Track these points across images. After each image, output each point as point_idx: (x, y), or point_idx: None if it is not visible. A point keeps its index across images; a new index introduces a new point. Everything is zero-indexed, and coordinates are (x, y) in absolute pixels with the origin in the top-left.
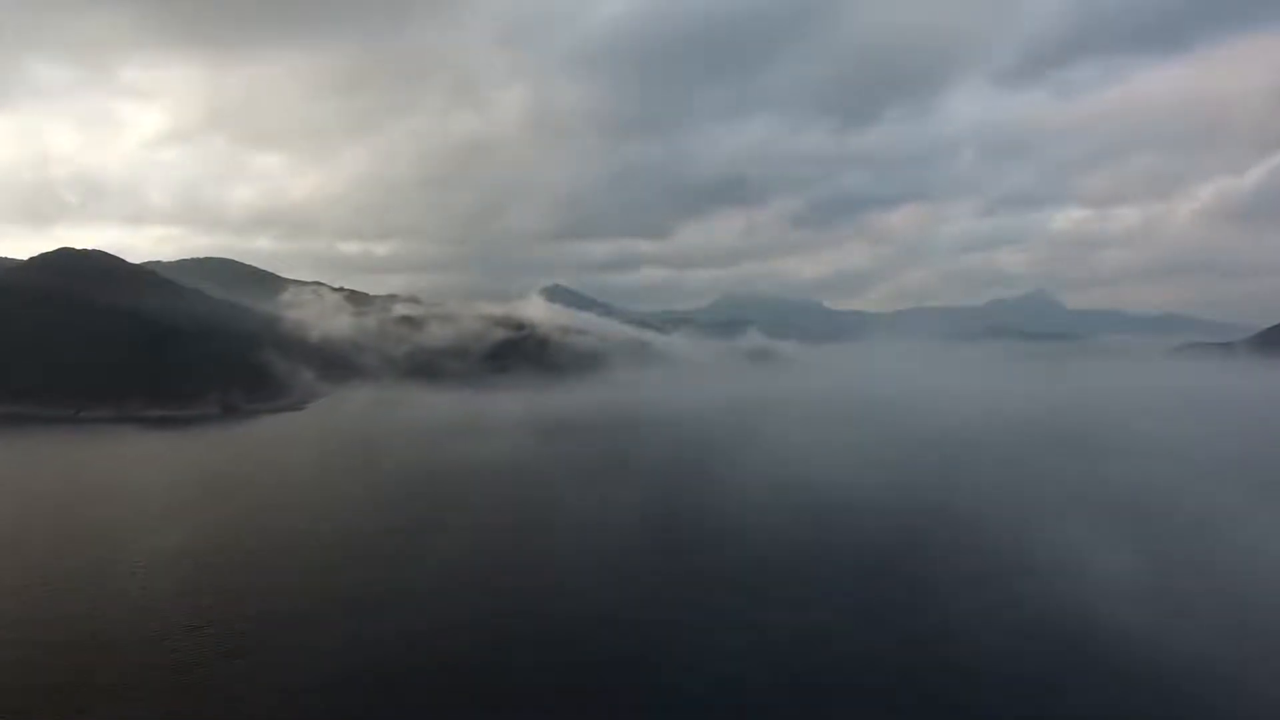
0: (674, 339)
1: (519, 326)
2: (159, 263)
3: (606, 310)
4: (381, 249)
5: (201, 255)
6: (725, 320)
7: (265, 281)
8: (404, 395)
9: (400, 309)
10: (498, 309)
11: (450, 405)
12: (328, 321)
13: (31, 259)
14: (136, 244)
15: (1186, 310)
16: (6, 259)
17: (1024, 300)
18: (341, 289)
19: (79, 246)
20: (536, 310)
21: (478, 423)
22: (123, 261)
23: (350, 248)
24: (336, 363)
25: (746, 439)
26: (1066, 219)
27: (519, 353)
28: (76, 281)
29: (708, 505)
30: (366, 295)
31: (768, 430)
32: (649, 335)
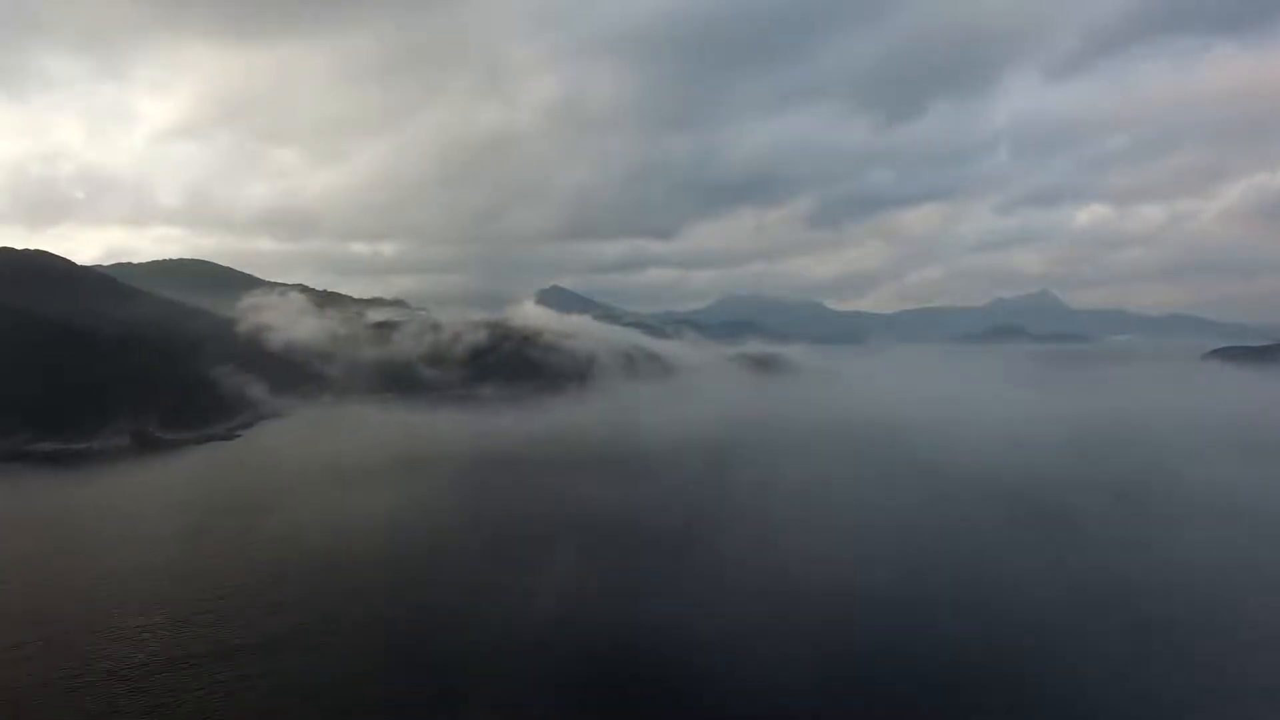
0: (672, 344)
1: (504, 333)
2: (127, 264)
3: (607, 312)
4: (390, 250)
5: (198, 256)
6: (726, 322)
7: (242, 285)
8: (361, 414)
9: (375, 314)
10: (486, 314)
11: (406, 428)
12: (292, 327)
13: None
14: (139, 244)
15: (1195, 311)
16: None
17: (1027, 300)
18: (324, 292)
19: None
20: (527, 315)
21: (420, 454)
22: (68, 263)
23: (359, 249)
24: (296, 374)
25: (738, 486)
26: (1089, 215)
27: (501, 362)
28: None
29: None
30: (349, 298)
31: (768, 473)
32: (646, 340)
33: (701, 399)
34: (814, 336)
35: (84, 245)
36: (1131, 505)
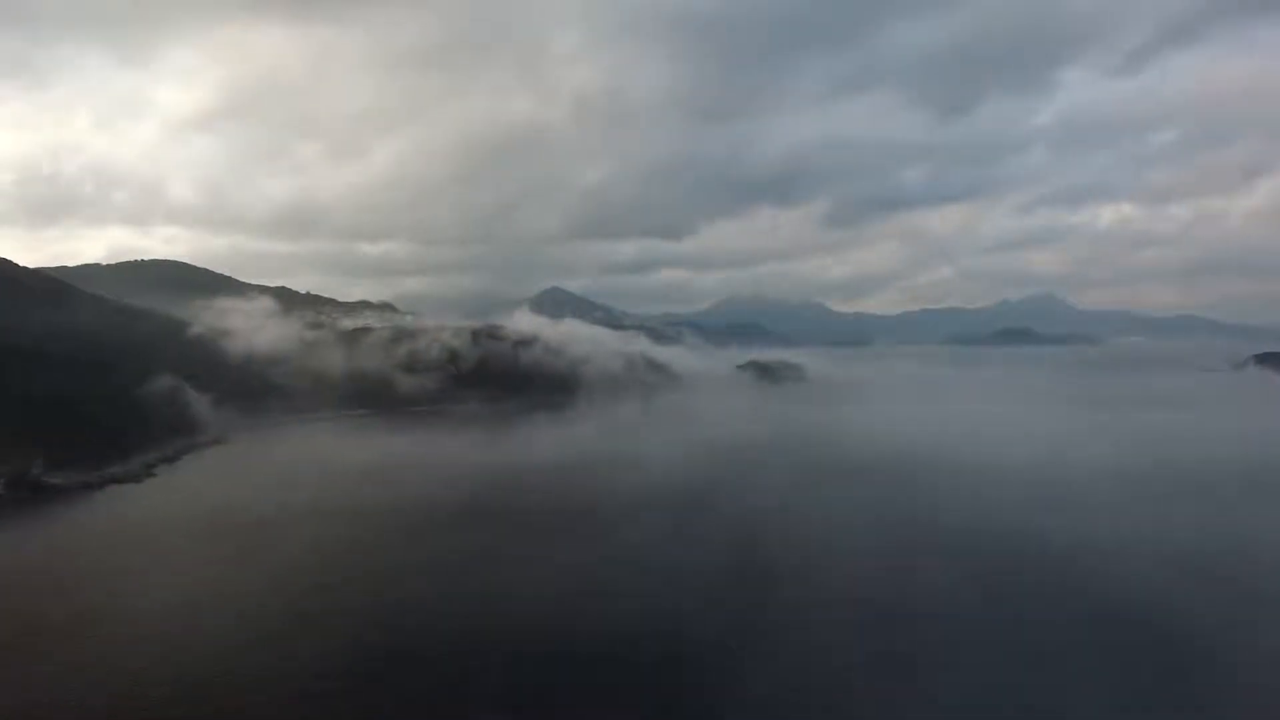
0: (670, 351)
1: (492, 340)
2: (97, 265)
3: (608, 314)
4: (402, 251)
5: (207, 256)
6: (728, 324)
7: (219, 288)
8: (316, 437)
9: (357, 319)
10: (474, 320)
11: (352, 458)
12: (255, 334)
13: None
14: (147, 244)
15: (1203, 312)
16: None
17: (1031, 301)
18: (308, 294)
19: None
20: (518, 321)
21: (348, 497)
22: (9, 264)
23: (368, 249)
24: (252, 388)
25: (707, 564)
26: (1114, 215)
27: (485, 373)
28: None
29: None
30: (334, 301)
31: (752, 544)
32: (644, 345)
33: (693, 420)
34: (817, 339)
35: (91, 245)
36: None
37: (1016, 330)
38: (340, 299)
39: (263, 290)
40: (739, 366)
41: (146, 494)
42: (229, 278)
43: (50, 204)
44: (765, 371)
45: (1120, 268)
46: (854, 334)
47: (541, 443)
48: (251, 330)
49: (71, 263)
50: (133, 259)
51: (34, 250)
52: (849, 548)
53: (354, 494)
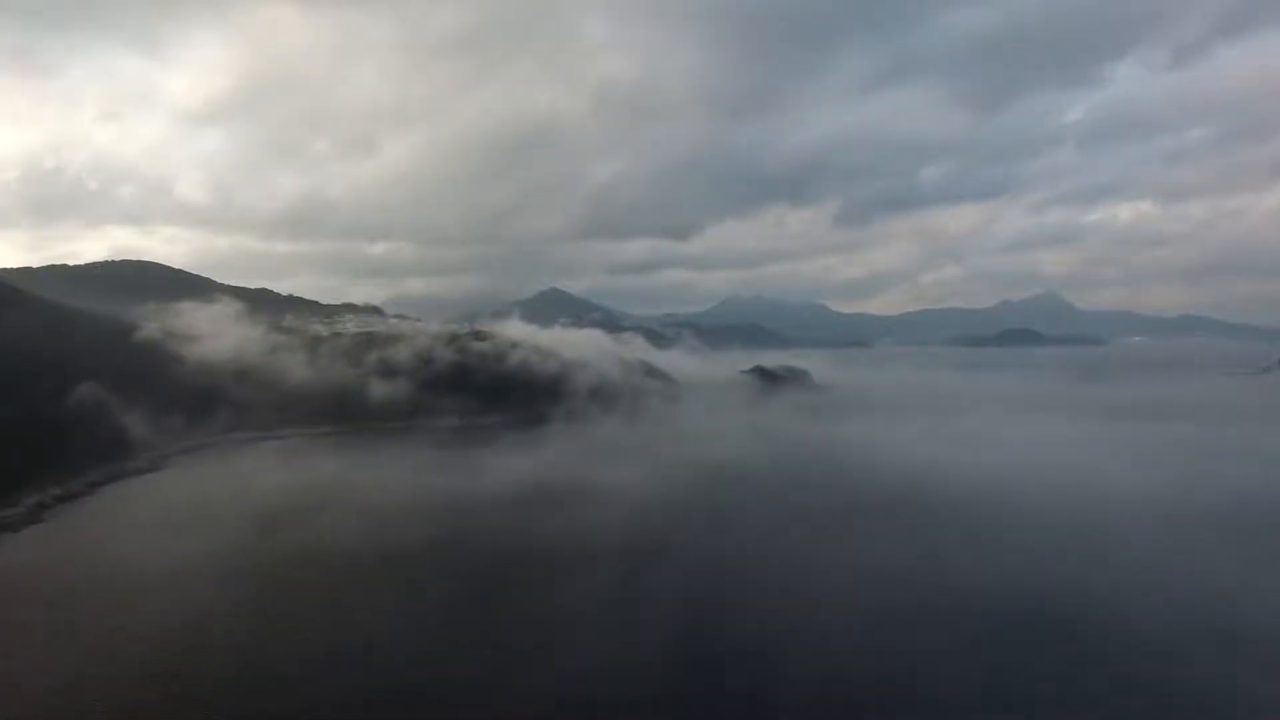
0: (668, 355)
1: (477, 344)
2: (63, 266)
3: (607, 315)
4: (406, 250)
5: (207, 256)
6: (728, 325)
7: (185, 290)
8: (263, 461)
9: (336, 325)
10: (460, 326)
11: (288, 492)
12: (215, 341)
13: None
14: (148, 244)
15: (1207, 311)
16: None
17: (1035, 302)
18: (289, 297)
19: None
20: (511, 327)
21: (270, 549)
22: None
23: (372, 249)
24: (203, 402)
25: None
26: (1131, 213)
27: (464, 384)
28: None
29: None
30: (317, 304)
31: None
32: (642, 349)
33: (683, 438)
34: (817, 340)
35: (93, 244)
36: None
37: (1019, 331)
38: (326, 301)
39: (234, 292)
40: (742, 372)
41: (19, 547)
42: (203, 279)
43: (52, 202)
44: (768, 377)
45: (1126, 268)
46: (854, 335)
47: (504, 467)
48: (209, 336)
49: (54, 263)
50: (105, 259)
51: (34, 250)
52: (839, 625)
53: (265, 541)
